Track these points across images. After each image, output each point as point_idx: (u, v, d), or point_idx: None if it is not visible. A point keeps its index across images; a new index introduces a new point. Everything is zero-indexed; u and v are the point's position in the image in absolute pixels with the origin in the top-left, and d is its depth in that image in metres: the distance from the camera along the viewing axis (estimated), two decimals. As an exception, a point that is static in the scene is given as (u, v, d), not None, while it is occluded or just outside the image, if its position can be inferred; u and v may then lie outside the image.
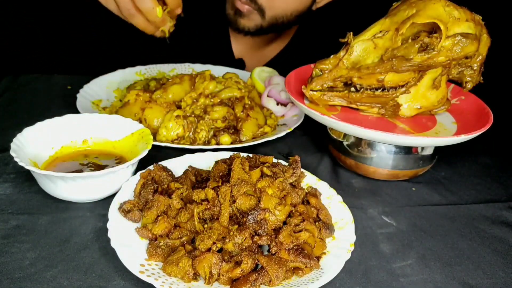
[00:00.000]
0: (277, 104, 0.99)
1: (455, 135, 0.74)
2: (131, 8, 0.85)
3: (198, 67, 1.13)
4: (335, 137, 0.82)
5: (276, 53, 1.26)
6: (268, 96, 0.99)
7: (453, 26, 0.70)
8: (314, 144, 0.91)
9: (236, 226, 0.59)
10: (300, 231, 0.59)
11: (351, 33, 0.76)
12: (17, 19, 1.40)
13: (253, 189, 0.61)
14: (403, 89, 0.76)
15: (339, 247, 0.61)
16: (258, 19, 1.11)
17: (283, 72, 1.07)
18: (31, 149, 0.68)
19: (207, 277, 0.54)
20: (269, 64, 1.24)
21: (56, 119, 0.73)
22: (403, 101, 0.78)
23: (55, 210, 0.65)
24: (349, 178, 0.81)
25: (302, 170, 0.70)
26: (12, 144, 0.65)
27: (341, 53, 0.76)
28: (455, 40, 0.70)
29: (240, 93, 0.93)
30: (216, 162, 0.68)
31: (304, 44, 1.25)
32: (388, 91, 0.76)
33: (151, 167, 0.68)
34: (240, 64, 1.23)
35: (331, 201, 0.69)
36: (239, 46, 1.23)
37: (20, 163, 0.61)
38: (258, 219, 0.59)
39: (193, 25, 1.23)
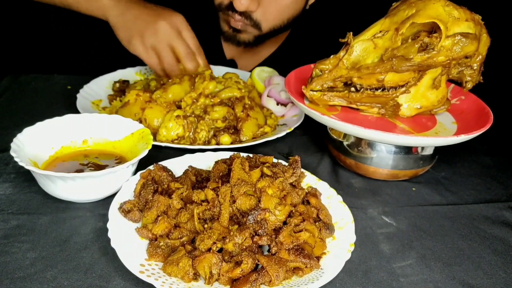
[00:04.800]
0: (277, 104, 0.99)
1: (455, 135, 0.74)
2: (173, 62, 0.95)
3: (198, 67, 1.13)
4: (335, 137, 0.82)
5: (269, 53, 1.25)
6: (268, 96, 0.99)
7: (453, 26, 0.70)
8: (314, 144, 0.91)
9: (236, 226, 0.59)
10: (300, 231, 0.59)
11: (351, 33, 0.76)
12: (17, 19, 1.40)
13: (253, 189, 0.61)
14: (403, 89, 0.76)
15: (339, 247, 0.61)
16: (256, 31, 1.11)
17: (279, 72, 1.07)
18: (31, 149, 0.68)
19: (207, 277, 0.54)
20: (263, 63, 1.24)
21: (56, 119, 0.73)
22: (403, 101, 0.78)
23: (55, 210, 0.65)
24: (349, 178, 0.81)
25: (302, 170, 0.70)
26: (12, 144, 0.65)
27: (341, 53, 0.76)
28: (455, 40, 0.70)
29: (240, 93, 0.93)
30: (216, 162, 0.68)
31: (299, 44, 1.25)
32: (388, 91, 0.76)
33: (151, 167, 0.68)
34: (231, 65, 1.23)
35: (331, 201, 0.69)
36: (230, 47, 1.23)
37: (20, 163, 0.61)
38: (258, 219, 0.59)
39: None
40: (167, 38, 0.94)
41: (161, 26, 0.94)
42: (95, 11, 0.99)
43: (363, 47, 0.75)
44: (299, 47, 1.25)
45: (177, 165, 0.72)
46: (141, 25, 0.94)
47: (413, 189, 0.80)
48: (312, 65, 0.90)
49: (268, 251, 0.58)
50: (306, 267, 0.56)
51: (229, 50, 1.24)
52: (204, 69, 0.99)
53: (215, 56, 1.17)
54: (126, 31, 0.95)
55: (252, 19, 1.07)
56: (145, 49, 0.94)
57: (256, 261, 0.55)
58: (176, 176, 0.70)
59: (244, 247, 0.56)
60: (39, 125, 0.71)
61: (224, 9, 1.09)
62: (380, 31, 0.75)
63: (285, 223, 0.60)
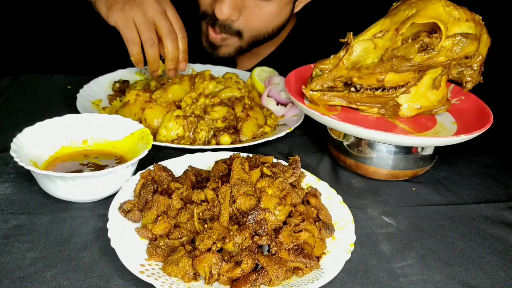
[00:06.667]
0: (277, 104, 0.99)
1: (455, 135, 0.74)
2: (154, 38, 0.88)
3: (198, 67, 1.13)
4: (335, 137, 0.82)
5: (269, 53, 1.25)
6: (268, 96, 0.99)
7: (453, 26, 0.70)
8: (314, 144, 0.91)
9: (236, 226, 0.59)
10: (300, 231, 0.59)
11: (351, 33, 0.76)
12: (17, 19, 1.40)
13: (253, 189, 0.61)
14: (403, 89, 0.76)
15: (339, 247, 0.61)
16: (236, 41, 1.08)
17: (280, 70, 1.07)
18: (31, 149, 0.68)
19: (207, 277, 0.54)
20: (264, 62, 1.24)
21: (56, 119, 0.73)
22: (403, 101, 0.78)
23: (55, 210, 0.65)
24: (349, 178, 0.81)
25: (302, 170, 0.71)
26: (12, 144, 0.65)
27: (341, 53, 0.76)
28: (455, 40, 0.70)
29: (240, 93, 0.93)
30: (216, 162, 0.68)
31: (300, 43, 1.25)
32: (388, 91, 0.76)
33: (151, 167, 0.68)
34: (231, 62, 1.23)
35: (331, 201, 0.69)
36: None
37: (20, 163, 0.61)
38: (258, 219, 0.59)
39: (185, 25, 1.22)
40: (151, 12, 0.88)
41: (148, 1, 0.88)
42: None
43: (363, 47, 0.75)
44: (299, 46, 1.25)
45: (177, 165, 0.72)
46: None
47: (413, 189, 0.80)
48: (312, 65, 0.90)
49: (268, 251, 0.58)
50: (306, 267, 0.56)
51: None
52: (181, 55, 0.95)
53: (214, 54, 1.17)
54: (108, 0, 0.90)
55: (232, 29, 1.04)
56: (125, 18, 0.87)
57: (256, 261, 0.55)
58: (176, 176, 0.70)
59: (244, 247, 0.56)
60: (39, 125, 0.71)
61: (207, 18, 1.07)
62: (380, 31, 0.75)
63: (285, 223, 0.60)
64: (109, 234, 0.58)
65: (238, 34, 1.06)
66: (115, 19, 0.88)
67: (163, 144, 0.81)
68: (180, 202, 0.62)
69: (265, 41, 1.12)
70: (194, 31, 1.15)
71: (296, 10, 1.16)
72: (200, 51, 1.18)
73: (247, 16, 1.03)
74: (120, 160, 0.72)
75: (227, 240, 0.56)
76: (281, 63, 1.12)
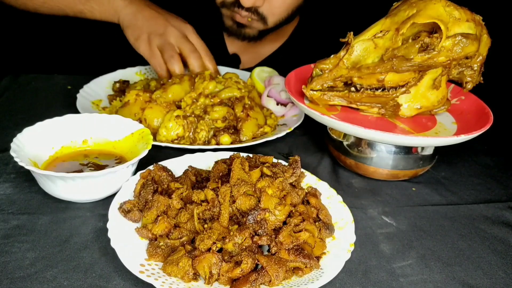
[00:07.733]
0: (277, 104, 0.99)
1: (455, 135, 0.74)
2: (174, 54, 0.97)
3: (198, 67, 1.13)
4: (335, 137, 0.82)
5: (272, 51, 1.25)
6: (268, 96, 0.99)
7: (454, 26, 0.70)
8: (314, 144, 0.91)
9: (236, 226, 0.59)
10: (300, 231, 0.59)
11: (352, 33, 0.76)
12: (17, 19, 1.40)
13: (253, 189, 0.61)
14: (403, 89, 0.76)
15: (339, 247, 0.61)
16: (261, 25, 1.12)
17: (280, 70, 1.07)
18: (31, 149, 0.68)
19: (207, 277, 0.54)
20: (265, 61, 1.24)
21: (56, 119, 0.73)
22: (403, 101, 0.78)
23: (55, 210, 0.65)
24: (349, 178, 0.81)
25: (302, 170, 0.70)
26: (12, 144, 0.65)
27: (342, 53, 0.76)
28: (456, 40, 0.70)
29: (240, 93, 0.93)
30: (216, 162, 0.68)
31: (302, 43, 1.25)
32: (388, 91, 0.76)
33: (151, 167, 0.68)
34: (234, 59, 1.23)
35: (331, 201, 0.69)
36: (233, 43, 1.23)
37: (20, 163, 0.61)
38: (258, 219, 0.59)
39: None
40: (173, 40, 0.98)
41: (170, 30, 0.98)
42: (108, 14, 1.02)
43: (363, 47, 0.75)
44: (300, 47, 1.25)
45: (177, 165, 0.72)
46: (150, 26, 0.98)
47: (413, 189, 0.80)
48: (312, 65, 0.90)
49: (268, 251, 0.58)
50: (306, 267, 0.56)
51: (231, 46, 1.24)
52: (213, 75, 1.00)
53: (218, 51, 1.18)
54: (135, 30, 0.99)
55: (258, 13, 1.08)
56: (149, 47, 0.97)
57: (256, 261, 0.55)
58: (176, 176, 0.70)
59: (244, 247, 0.56)
60: (39, 125, 0.71)
61: (229, 5, 1.10)
62: (381, 31, 0.75)
63: (285, 223, 0.60)
64: (109, 234, 0.57)
65: (263, 19, 1.10)
66: (142, 49, 0.98)
67: (163, 144, 0.81)
68: (180, 202, 0.62)
69: (283, 23, 1.16)
70: (196, 30, 1.15)
71: None
72: (207, 44, 1.18)
73: (271, 1, 1.07)
74: (120, 160, 0.72)
75: (227, 240, 0.56)
76: (282, 63, 1.12)
